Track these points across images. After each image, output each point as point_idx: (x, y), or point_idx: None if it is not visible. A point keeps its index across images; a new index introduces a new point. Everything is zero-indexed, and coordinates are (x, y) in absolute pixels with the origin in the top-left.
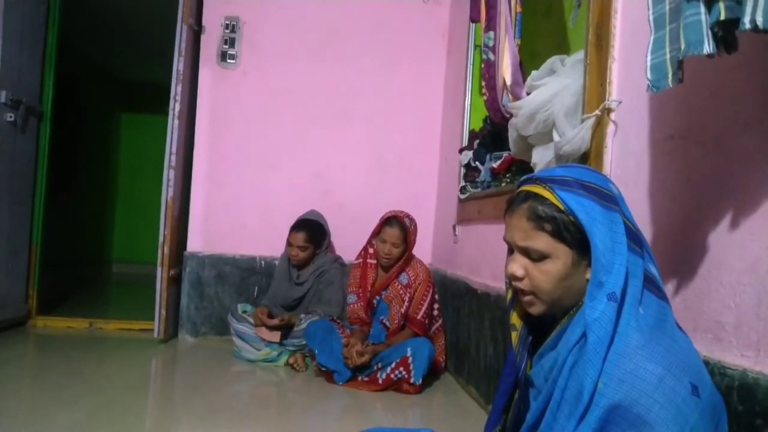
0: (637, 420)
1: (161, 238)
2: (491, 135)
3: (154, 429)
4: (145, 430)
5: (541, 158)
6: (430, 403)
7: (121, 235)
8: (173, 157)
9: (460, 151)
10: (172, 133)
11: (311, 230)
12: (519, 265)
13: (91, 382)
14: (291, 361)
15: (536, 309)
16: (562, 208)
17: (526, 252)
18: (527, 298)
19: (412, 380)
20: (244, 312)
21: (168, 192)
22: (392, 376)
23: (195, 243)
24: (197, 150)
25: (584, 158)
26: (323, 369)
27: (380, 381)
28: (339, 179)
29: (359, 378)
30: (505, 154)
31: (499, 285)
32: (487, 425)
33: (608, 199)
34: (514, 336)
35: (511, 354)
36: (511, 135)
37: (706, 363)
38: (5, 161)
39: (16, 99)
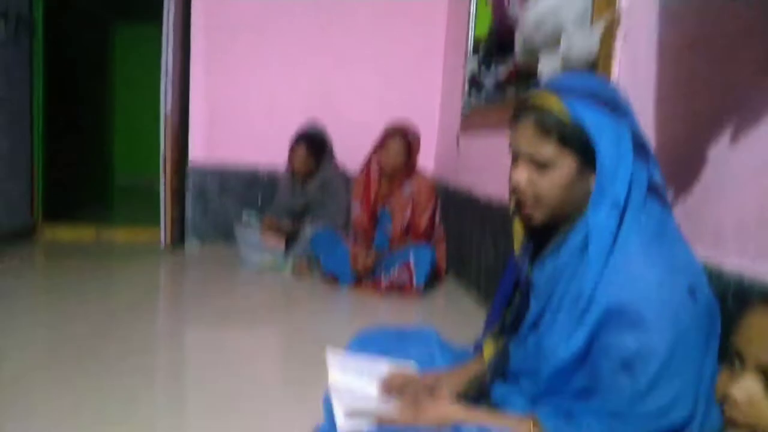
0: (633, 321)
1: (162, 150)
2: (497, 44)
3: (167, 332)
4: (158, 334)
5: (548, 66)
6: (432, 305)
7: (123, 146)
8: (170, 67)
9: (465, 60)
10: (167, 41)
11: (313, 142)
12: (523, 174)
13: (103, 289)
14: (297, 267)
15: (538, 217)
16: (568, 116)
17: (531, 160)
18: (529, 206)
19: (414, 284)
20: (249, 221)
21: (167, 103)
22: (395, 280)
23: (196, 153)
24: (194, 59)
25: (592, 66)
26: (328, 275)
27: (384, 285)
28: (341, 89)
29: (363, 283)
30: (510, 62)
31: (501, 195)
32: (486, 324)
33: (615, 107)
34: (516, 243)
35: (513, 259)
36: (518, 42)
37: (704, 268)
38: None
39: (2, 11)
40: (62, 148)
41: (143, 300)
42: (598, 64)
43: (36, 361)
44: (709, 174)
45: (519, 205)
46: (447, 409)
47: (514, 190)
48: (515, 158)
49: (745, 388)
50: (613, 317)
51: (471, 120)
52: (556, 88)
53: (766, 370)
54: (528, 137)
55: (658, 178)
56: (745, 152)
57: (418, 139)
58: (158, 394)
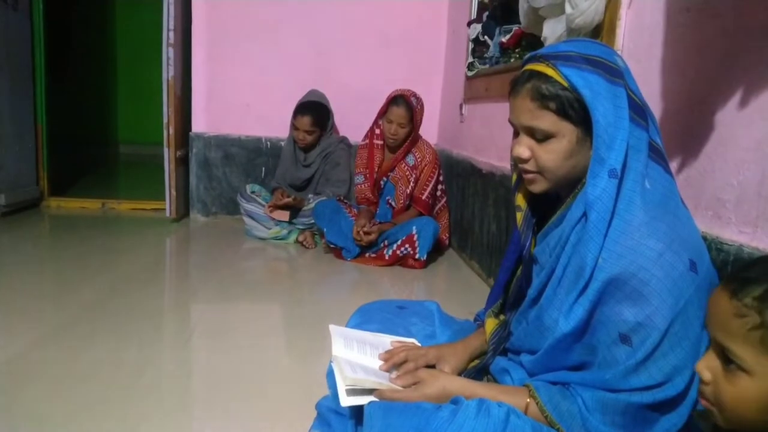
0: (633, 292)
1: (165, 119)
2: (501, 7)
3: (173, 301)
4: (165, 303)
5: (552, 32)
6: (434, 277)
7: (126, 115)
8: (171, 34)
9: (469, 24)
10: (168, 8)
11: (317, 113)
12: (525, 147)
13: (109, 260)
14: (300, 238)
15: (539, 187)
16: (565, 85)
17: (531, 132)
18: (530, 176)
19: (417, 256)
20: (253, 192)
21: (168, 71)
22: (398, 252)
23: (199, 124)
24: (195, 26)
25: (596, 31)
26: (332, 246)
27: (387, 257)
28: (343, 57)
29: (367, 254)
30: (515, 27)
31: (504, 165)
32: (489, 299)
33: (613, 72)
34: (519, 217)
35: (516, 234)
36: (522, 7)
37: (705, 239)
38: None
39: None
40: (65, 120)
41: (149, 271)
42: (603, 29)
43: (46, 332)
44: (712, 143)
45: (522, 176)
46: (446, 383)
47: (516, 164)
48: (516, 132)
49: (707, 366)
50: (613, 289)
51: (474, 88)
52: (552, 56)
53: (722, 349)
54: (526, 110)
55: (659, 142)
56: (750, 122)
57: (421, 105)
58: (165, 364)
